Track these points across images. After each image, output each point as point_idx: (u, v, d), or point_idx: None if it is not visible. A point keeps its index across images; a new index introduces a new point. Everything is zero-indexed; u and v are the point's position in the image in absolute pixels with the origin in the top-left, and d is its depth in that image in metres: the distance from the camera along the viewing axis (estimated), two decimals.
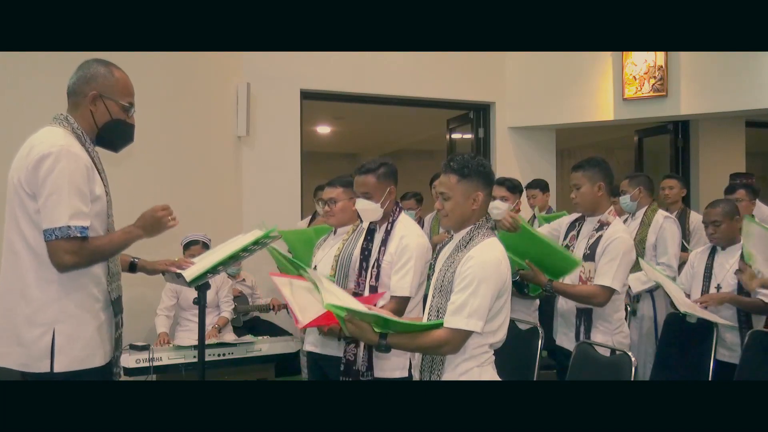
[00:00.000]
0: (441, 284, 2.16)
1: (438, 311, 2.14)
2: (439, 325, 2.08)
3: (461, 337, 2.08)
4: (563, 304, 3.21)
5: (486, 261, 2.10)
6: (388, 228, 2.81)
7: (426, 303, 2.32)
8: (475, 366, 2.13)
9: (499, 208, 3.68)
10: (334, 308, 2.03)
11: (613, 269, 2.96)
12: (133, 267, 2.51)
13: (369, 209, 2.80)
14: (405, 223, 2.83)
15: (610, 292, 2.97)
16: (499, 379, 2.19)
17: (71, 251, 2.08)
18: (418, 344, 2.11)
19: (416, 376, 2.25)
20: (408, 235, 2.75)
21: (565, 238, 3.30)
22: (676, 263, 4.11)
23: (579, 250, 3.14)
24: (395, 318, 2.09)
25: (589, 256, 3.05)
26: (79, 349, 2.14)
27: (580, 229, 3.23)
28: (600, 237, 3.05)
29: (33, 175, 2.08)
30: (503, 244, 2.24)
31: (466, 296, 2.06)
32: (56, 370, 2.09)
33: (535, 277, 3.03)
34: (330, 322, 2.40)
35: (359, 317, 2.05)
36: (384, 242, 2.78)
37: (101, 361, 2.21)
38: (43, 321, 2.10)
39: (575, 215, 3.33)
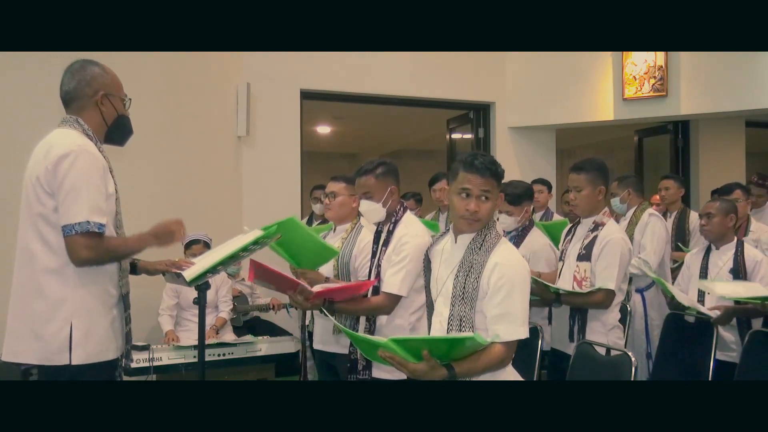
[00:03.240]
0: (462, 292, 2.08)
1: (461, 320, 2.07)
2: (483, 341, 1.98)
3: (514, 347, 2.06)
4: (557, 308, 3.24)
5: (515, 264, 2.08)
6: (391, 228, 2.79)
7: (432, 308, 2.26)
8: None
9: (504, 223, 3.65)
10: (393, 347, 1.93)
11: (614, 273, 2.98)
12: (133, 268, 2.54)
13: (371, 209, 2.79)
14: (407, 222, 2.80)
15: (614, 294, 3.01)
16: (518, 377, 2.19)
17: (89, 246, 2.14)
18: (483, 366, 2.00)
19: None
20: (408, 233, 2.72)
21: (562, 243, 3.34)
22: (656, 259, 4.11)
23: (573, 251, 3.17)
24: (443, 335, 2.03)
25: (585, 256, 3.07)
26: (94, 344, 2.21)
27: (574, 233, 3.25)
28: (595, 237, 3.07)
29: (53, 174, 2.15)
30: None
31: (510, 305, 2.03)
32: (73, 362, 2.16)
33: (542, 292, 3.06)
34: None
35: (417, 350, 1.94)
36: (386, 242, 2.77)
37: (114, 355, 2.29)
38: (60, 316, 2.16)
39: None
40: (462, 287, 2.09)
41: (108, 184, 2.25)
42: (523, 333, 2.04)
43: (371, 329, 2.74)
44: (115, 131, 2.38)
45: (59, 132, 2.25)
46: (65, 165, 2.13)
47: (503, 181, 2.27)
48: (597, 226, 3.10)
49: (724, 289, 3.31)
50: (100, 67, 2.34)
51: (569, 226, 3.38)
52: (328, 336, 3.03)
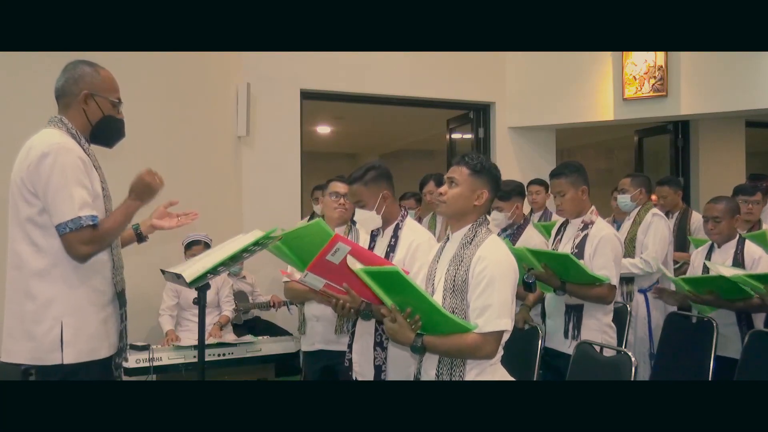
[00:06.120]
0: (453, 285, 2.15)
1: (453, 312, 2.11)
2: (471, 327, 2.06)
3: (495, 339, 2.08)
4: (552, 305, 3.27)
5: (499, 259, 2.12)
6: (395, 232, 2.69)
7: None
8: (488, 366, 2.14)
9: (496, 219, 3.71)
10: (366, 274, 2.03)
11: (612, 268, 3.06)
12: (140, 237, 2.55)
13: (366, 218, 2.69)
14: (410, 226, 2.73)
15: (615, 290, 3.10)
16: (509, 377, 2.21)
17: (86, 241, 2.16)
18: (454, 347, 2.08)
19: (432, 376, 2.17)
20: (416, 238, 2.65)
21: (552, 243, 3.39)
22: (658, 259, 4.11)
23: (565, 250, 3.21)
24: (442, 308, 2.05)
25: (577, 255, 3.12)
26: (85, 342, 2.21)
27: (563, 233, 3.32)
28: (586, 236, 3.15)
29: (35, 174, 2.15)
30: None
31: (490, 298, 2.07)
32: (65, 361, 2.17)
33: (549, 278, 3.10)
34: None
35: (404, 301, 2.04)
36: (393, 248, 2.66)
37: (107, 353, 2.29)
38: (50, 315, 2.17)
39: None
40: (452, 280, 2.15)
41: (93, 181, 2.24)
42: (501, 325, 2.07)
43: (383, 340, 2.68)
44: (101, 132, 2.35)
45: (42, 132, 2.25)
46: (46, 165, 2.13)
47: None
48: (586, 225, 3.18)
49: (728, 272, 3.31)
50: (93, 68, 2.33)
51: (558, 225, 3.44)
52: (331, 335, 3.05)
